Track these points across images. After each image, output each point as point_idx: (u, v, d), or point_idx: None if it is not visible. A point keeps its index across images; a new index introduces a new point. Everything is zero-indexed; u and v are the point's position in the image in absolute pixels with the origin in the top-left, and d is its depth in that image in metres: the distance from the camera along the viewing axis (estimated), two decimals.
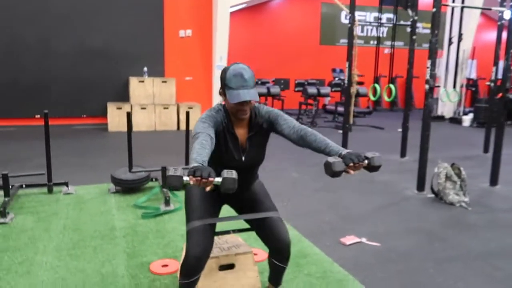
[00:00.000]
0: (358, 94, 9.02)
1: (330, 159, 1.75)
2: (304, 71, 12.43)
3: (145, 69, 8.59)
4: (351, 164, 1.77)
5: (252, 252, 2.42)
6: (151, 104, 8.41)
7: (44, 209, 3.83)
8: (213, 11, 9.17)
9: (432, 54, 4.32)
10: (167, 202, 3.89)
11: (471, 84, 13.00)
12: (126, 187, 4.30)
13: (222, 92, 1.93)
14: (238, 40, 11.93)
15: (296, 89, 11.04)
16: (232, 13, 11.59)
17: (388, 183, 5.11)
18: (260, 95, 9.41)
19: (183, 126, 8.66)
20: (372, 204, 4.28)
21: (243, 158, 2.01)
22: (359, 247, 3.22)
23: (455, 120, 10.99)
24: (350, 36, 5.99)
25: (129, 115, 4.28)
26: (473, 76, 13.25)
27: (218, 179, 1.59)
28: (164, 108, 8.53)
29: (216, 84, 9.30)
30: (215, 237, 2.57)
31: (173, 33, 9.03)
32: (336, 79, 11.25)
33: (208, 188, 1.60)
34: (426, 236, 3.49)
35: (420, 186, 4.67)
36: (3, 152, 6.13)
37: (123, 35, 8.65)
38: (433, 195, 4.50)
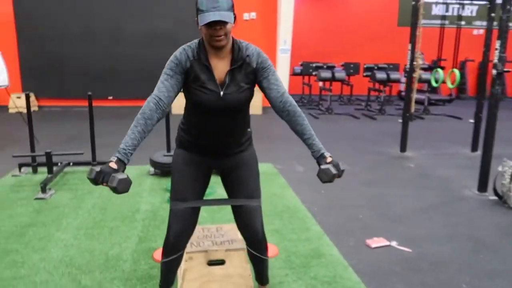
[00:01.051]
0: (420, 80, 8.13)
1: (332, 169, 1.71)
2: (378, 55, 11.66)
3: None
4: (337, 175, 1.75)
5: (246, 250, 2.25)
6: None
7: (83, 187, 3.99)
8: None
9: (503, 33, 3.69)
10: None
11: None
12: (163, 170, 4.33)
13: (196, 20, 1.70)
14: (304, 23, 11.53)
15: (365, 74, 10.39)
16: None
17: (447, 179, 4.56)
18: (325, 79, 8.99)
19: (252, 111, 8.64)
20: (421, 202, 3.83)
21: (221, 93, 1.76)
22: (386, 251, 2.88)
23: None
24: (414, 15, 5.37)
25: None
26: None
27: (111, 184, 1.52)
28: None
29: (280, 68, 9.07)
30: (214, 229, 2.46)
31: (237, 16, 8.91)
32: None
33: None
34: (472, 244, 3.01)
35: (482, 186, 4.08)
36: (73, 130, 6.57)
37: (189, 19, 8.73)
38: (495, 198, 3.90)
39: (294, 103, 1.80)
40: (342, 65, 10.59)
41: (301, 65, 10.43)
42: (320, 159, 1.77)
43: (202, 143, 1.88)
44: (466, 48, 11.30)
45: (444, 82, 6.08)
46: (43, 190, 3.71)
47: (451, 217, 3.52)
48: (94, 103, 9.10)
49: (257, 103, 8.67)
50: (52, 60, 8.57)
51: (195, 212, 1.93)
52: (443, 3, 11.82)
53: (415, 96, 5.64)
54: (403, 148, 5.68)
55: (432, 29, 10.52)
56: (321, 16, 11.88)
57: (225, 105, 1.77)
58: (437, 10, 11.93)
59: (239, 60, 1.76)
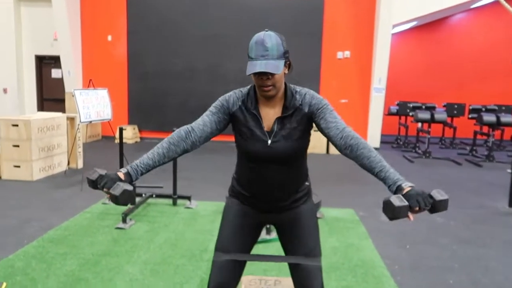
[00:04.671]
0: None
1: (395, 201, 1.38)
2: (487, 95, 10.62)
3: None
4: (416, 208, 1.41)
5: None
6: None
7: (161, 220, 4.10)
8: (374, 31, 8.65)
9: None
10: (268, 230, 3.69)
11: None
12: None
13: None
14: (402, 60, 11.02)
15: (470, 116, 9.46)
16: (400, 33, 10.82)
17: None
18: (423, 121, 8.37)
19: (333, 150, 8.37)
20: None
21: (269, 142, 1.65)
22: None
23: None
24: None
25: None
26: None
27: (114, 192, 1.43)
28: (314, 130, 8.36)
29: (374, 107, 8.70)
30: (272, 281, 2.28)
31: (330, 55, 8.87)
32: None
33: (107, 197, 1.49)
34: None
35: None
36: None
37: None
38: None
39: (357, 135, 1.59)
40: (444, 106, 9.81)
41: (398, 104, 9.90)
42: (397, 192, 1.44)
43: (253, 196, 1.77)
44: None
45: None
46: (124, 220, 3.88)
47: None
48: None
49: None
50: (154, 95, 9.29)
51: (239, 265, 1.78)
52: None
53: None
54: None
55: None
56: (421, 53, 11.26)
57: (273, 154, 1.65)
58: None
59: (291, 107, 1.66)
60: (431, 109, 8.85)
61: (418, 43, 11.31)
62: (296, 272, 1.78)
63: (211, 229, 3.89)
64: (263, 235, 3.66)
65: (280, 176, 1.70)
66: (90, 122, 5.45)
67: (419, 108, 8.99)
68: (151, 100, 9.31)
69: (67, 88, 9.20)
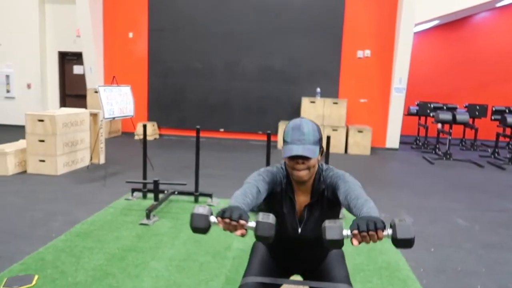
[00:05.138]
0: None
1: (326, 222, 1.29)
2: (510, 96, 10.41)
3: (318, 89, 8.60)
4: (355, 231, 1.27)
5: None
6: (320, 125, 8.34)
7: (183, 216, 4.14)
8: (395, 30, 8.56)
9: None
10: None
11: None
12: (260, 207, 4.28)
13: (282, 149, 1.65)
14: (423, 60, 10.87)
15: (493, 117, 9.29)
16: (421, 32, 10.66)
17: None
18: (444, 122, 8.24)
19: (351, 150, 8.33)
20: None
21: (299, 230, 1.70)
22: None
23: None
24: None
25: (268, 136, 4.29)
26: None
27: (252, 224, 1.34)
28: (333, 130, 8.35)
29: (394, 108, 8.61)
30: None
31: (350, 54, 8.80)
32: None
33: (238, 233, 1.35)
34: None
35: None
36: (185, 159, 7.00)
37: (301, 56, 8.88)
38: None
39: (363, 197, 1.49)
40: (466, 107, 9.65)
41: (417, 105, 9.78)
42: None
43: (281, 260, 1.83)
44: None
45: None
46: (148, 216, 3.93)
47: None
48: (206, 134, 9.64)
49: (365, 142, 8.29)
50: (174, 92, 9.35)
51: None
52: None
53: None
54: None
55: None
56: (442, 52, 11.09)
57: (303, 240, 1.72)
58: None
59: (316, 193, 1.68)
60: (452, 109, 8.72)
61: (439, 42, 11.14)
62: None
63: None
64: None
65: (309, 251, 1.76)
66: (114, 118, 5.52)
67: (440, 108, 8.87)
68: (171, 97, 9.38)
69: (89, 85, 9.34)
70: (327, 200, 1.69)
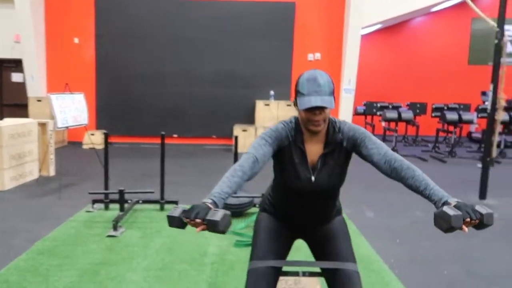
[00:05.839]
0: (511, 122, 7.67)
1: (449, 210, 1.39)
2: (446, 94, 11.18)
3: (272, 92, 8.73)
4: (468, 219, 1.41)
5: None
6: None
7: (152, 225, 4.02)
8: (344, 33, 8.90)
9: None
10: None
11: None
12: (231, 211, 4.26)
13: (295, 102, 1.69)
14: (370, 63, 11.38)
15: (433, 115, 9.94)
16: (365, 36, 11.16)
17: None
18: (391, 120, 8.70)
19: None
20: None
21: (313, 179, 1.71)
22: None
23: None
24: (497, 53, 5.07)
25: (236, 139, 4.30)
26: None
27: (213, 218, 1.38)
28: None
29: (344, 108, 8.93)
30: (291, 281, 2.30)
31: (301, 57, 9.03)
32: (486, 103, 9.79)
33: (198, 229, 1.42)
34: None
35: None
36: (142, 167, 6.79)
37: (254, 60, 8.97)
38: None
39: (400, 158, 1.63)
40: (408, 105, 10.24)
41: (364, 104, 10.23)
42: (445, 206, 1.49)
43: (289, 217, 1.84)
44: None
45: None
46: (115, 227, 3.78)
47: None
48: (158, 141, 9.43)
49: None
50: (124, 99, 9.05)
51: (276, 273, 1.77)
52: None
53: (496, 139, 5.22)
54: (482, 195, 5.23)
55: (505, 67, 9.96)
56: (384, 54, 11.70)
57: (316, 190, 1.73)
58: (509, 48, 11.32)
59: (332, 143, 1.72)
60: (397, 108, 9.21)
61: (382, 45, 11.74)
62: (335, 278, 1.74)
63: (204, 232, 3.85)
64: None
65: (319, 206, 1.79)
66: (67, 127, 5.25)
67: (387, 107, 9.33)
68: (121, 104, 9.07)
69: (30, 93, 8.79)
70: (343, 151, 1.72)
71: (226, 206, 4.23)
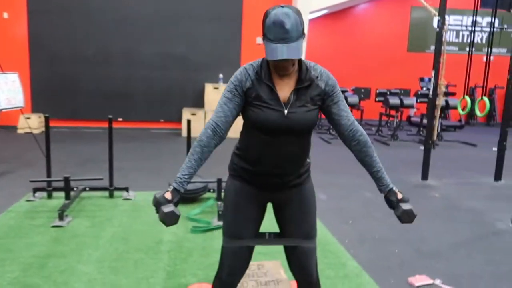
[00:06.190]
0: (447, 107, 8.14)
1: (412, 209, 1.67)
2: (388, 80, 11.64)
3: (221, 76, 8.59)
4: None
5: None
6: None
7: (101, 214, 3.83)
8: None
9: None
10: (220, 217, 3.67)
11: None
12: (182, 197, 4.15)
13: (262, 39, 1.59)
14: (317, 48, 11.55)
15: (377, 99, 10.32)
16: (312, 20, 11.27)
17: (476, 210, 4.39)
18: None
19: None
20: (455, 237, 3.66)
21: (285, 112, 1.62)
22: None
23: None
24: (438, 41, 5.32)
25: (189, 122, 4.19)
26: None
27: (160, 216, 1.54)
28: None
29: None
30: (255, 266, 2.29)
31: (250, 40, 8.93)
32: (424, 89, 10.32)
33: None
34: None
35: None
36: (85, 153, 6.43)
37: (202, 42, 8.74)
38: None
39: (365, 133, 1.71)
40: (353, 90, 10.54)
41: None
42: (390, 194, 1.69)
43: (260, 170, 1.72)
44: (476, 74, 11.30)
45: (471, 110, 5.98)
46: (61, 217, 3.55)
47: (491, 254, 3.34)
48: (102, 125, 8.98)
49: None
50: (63, 81, 8.48)
51: (250, 249, 1.80)
52: (455, 30, 11.92)
53: (437, 123, 5.51)
54: (424, 176, 5.53)
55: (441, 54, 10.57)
56: (333, 41, 11.93)
57: (290, 124, 1.63)
58: (447, 36, 11.97)
59: (306, 80, 1.64)
60: (343, 93, 9.45)
61: (328, 31, 11.93)
62: (294, 254, 1.83)
63: (158, 219, 3.73)
64: (215, 222, 3.64)
65: (292, 147, 1.69)
66: (0, 110, 4.82)
67: None
68: (59, 86, 8.48)
69: None
70: (318, 92, 1.66)
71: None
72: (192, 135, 8.04)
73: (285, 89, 1.65)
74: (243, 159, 1.77)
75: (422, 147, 6.01)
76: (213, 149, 1.63)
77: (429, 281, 2.79)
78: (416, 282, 2.76)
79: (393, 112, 9.35)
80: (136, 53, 8.61)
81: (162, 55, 8.68)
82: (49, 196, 4.20)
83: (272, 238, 1.86)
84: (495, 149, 5.72)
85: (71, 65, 8.45)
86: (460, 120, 11.52)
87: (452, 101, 8.29)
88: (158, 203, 1.54)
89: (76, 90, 8.54)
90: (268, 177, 1.73)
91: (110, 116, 4.27)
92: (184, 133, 8.19)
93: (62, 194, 4.12)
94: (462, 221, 4.04)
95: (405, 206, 1.64)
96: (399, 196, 1.68)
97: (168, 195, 1.55)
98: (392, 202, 1.67)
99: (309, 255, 1.82)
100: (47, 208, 3.92)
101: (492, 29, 5.96)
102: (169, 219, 1.52)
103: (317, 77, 1.67)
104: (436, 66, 5.28)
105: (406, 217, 1.64)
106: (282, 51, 1.49)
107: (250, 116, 1.66)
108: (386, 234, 3.64)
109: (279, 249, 1.98)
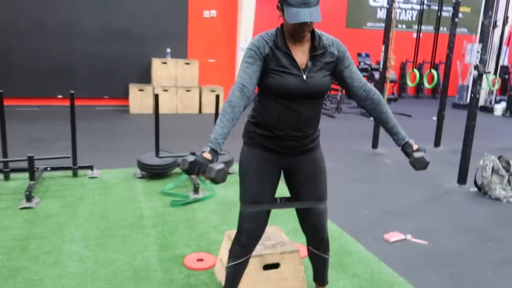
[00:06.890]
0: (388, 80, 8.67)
1: (426, 157, 1.78)
2: None
3: (168, 50, 8.36)
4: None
5: (299, 251, 2.22)
6: (174, 87, 8.20)
7: (70, 193, 3.68)
8: None
9: (484, 38, 3.99)
10: (196, 190, 3.71)
11: (504, 72, 12.43)
12: (153, 173, 4.12)
13: (280, 7, 1.68)
14: (266, 22, 11.59)
15: None
16: None
17: (426, 174, 4.79)
18: None
19: (205, 109, 8.45)
20: (413, 197, 4.03)
21: (304, 77, 1.71)
22: (404, 245, 2.99)
23: (486, 109, 10.52)
24: (388, 18, 5.65)
25: (156, 97, 4.10)
26: (506, 63, 12.67)
27: (210, 175, 1.52)
28: (187, 90, 8.32)
29: (240, 66, 9.03)
30: None
31: (197, 14, 8.75)
32: (362, 64, 10.85)
33: (205, 179, 1.55)
34: (476, 234, 3.23)
35: (462, 179, 4.39)
36: (28, 132, 6.02)
37: (146, 15, 8.40)
38: (475, 189, 4.21)
39: (378, 92, 1.85)
40: None
41: None
42: (406, 147, 1.82)
43: (279, 135, 1.79)
44: (407, 50, 12.08)
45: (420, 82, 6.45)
46: (28, 198, 3.36)
47: (447, 210, 3.74)
48: (40, 102, 8.46)
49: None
50: None
51: (268, 213, 1.90)
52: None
53: (386, 95, 5.89)
54: (375, 145, 5.92)
55: (377, 31, 11.14)
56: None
57: (309, 89, 1.73)
58: (381, 14, 12.58)
59: (320, 48, 1.75)
60: None
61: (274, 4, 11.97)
62: (308, 215, 1.96)
63: (133, 195, 3.69)
64: (192, 195, 3.67)
65: (309, 110, 1.78)
66: None
67: None
68: None
69: None
70: (331, 56, 1.76)
71: (145, 167, 4.07)
72: (137, 111, 7.92)
73: (300, 56, 1.74)
74: (261, 126, 1.82)
75: (371, 118, 6.39)
76: (242, 110, 1.65)
77: (401, 236, 3.09)
78: (391, 238, 3.04)
79: (336, 86, 9.76)
80: (74, 26, 8.10)
81: (103, 28, 8.24)
82: (6, 178, 3.94)
83: (284, 202, 1.97)
84: (435, 118, 6.25)
85: (2, 38, 7.75)
86: (393, 93, 12.32)
87: (391, 75, 8.83)
88: (199, 164, 1.51)
89: (9, 65, 7.89)
90: (286, 141, 1.81)
91: (72, 92, 4.09)
92: (132, 109, 7.98)
93: (19, 175, 3.90)
94: (416, 184, 4.43)
95: (416, 154, 1.76)
96: (415, 147, 1.80)
97: (208, 155, 1.54)
98: (408, 153, 1.80)
99: (321, 216, 1.96)
100: (7, 190, 3.69)
101: (422, 7, 6.48)
102: (222, 176, 1.50)
103: (330, 45, 1.78)
104: (386, 41, 5.61)
105: (419, 163, 1.76)
106: (305, 15, 1.58)
107: (269, 82, 1.72)
108: (354, 199, 3.91)
109: (274, 214, 2.05)
